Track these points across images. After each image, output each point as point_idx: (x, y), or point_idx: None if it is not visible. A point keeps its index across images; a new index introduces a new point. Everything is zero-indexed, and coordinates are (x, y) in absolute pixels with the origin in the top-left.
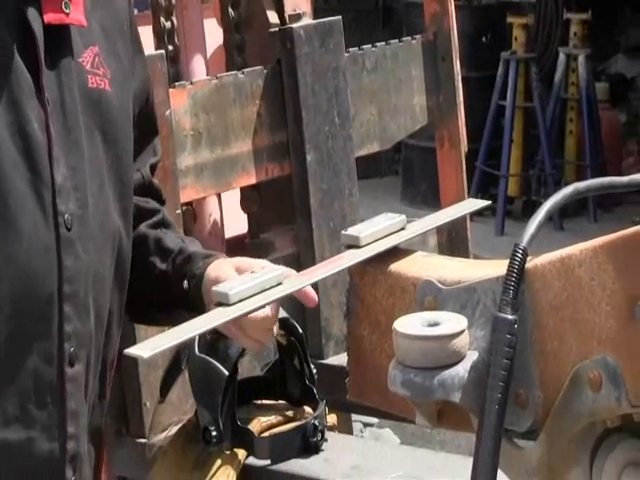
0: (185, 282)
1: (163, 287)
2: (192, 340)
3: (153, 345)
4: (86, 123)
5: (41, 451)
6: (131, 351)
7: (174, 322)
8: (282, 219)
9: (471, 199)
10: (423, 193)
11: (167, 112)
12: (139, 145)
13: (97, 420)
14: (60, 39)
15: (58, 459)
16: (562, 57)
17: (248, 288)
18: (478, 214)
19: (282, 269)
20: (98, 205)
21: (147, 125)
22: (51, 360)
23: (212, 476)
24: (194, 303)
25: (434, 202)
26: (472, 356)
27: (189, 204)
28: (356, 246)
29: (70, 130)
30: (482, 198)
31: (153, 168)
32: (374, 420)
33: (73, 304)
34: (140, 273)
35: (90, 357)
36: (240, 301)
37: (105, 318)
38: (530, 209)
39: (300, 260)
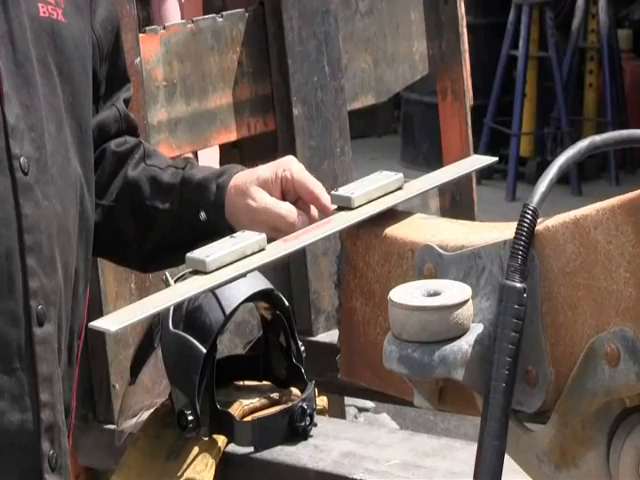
0: (202, 214)
1: (174, 227)
2: (166, 313)
3: (122, 318)
4: (39, 57)
5: (11, 423)
6: (97, 324)
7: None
8: None
9: (476, 155)
10: (425, 154)
11: (137, 60)
12: (112, 80)
13: (66, 395)
14: None
15: (32, 431)
16: (580, 1)
17: (227, 254)
18: (487, 177)
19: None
20: (57, 147)
21: (119, 58)
22: (17, 321)
23: (189, 465)
24: (218, 230)
25: (437, 164)
26: (476, 329)
27: None
28: (348, 208)
29: (21, 65)
30: None
31: (127, 102)
32: (370, 404)
33: (36, 257)
34: (143, 222)
35: (61, 317)
36: (218, 269)
37: (72, 276)
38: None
39: None
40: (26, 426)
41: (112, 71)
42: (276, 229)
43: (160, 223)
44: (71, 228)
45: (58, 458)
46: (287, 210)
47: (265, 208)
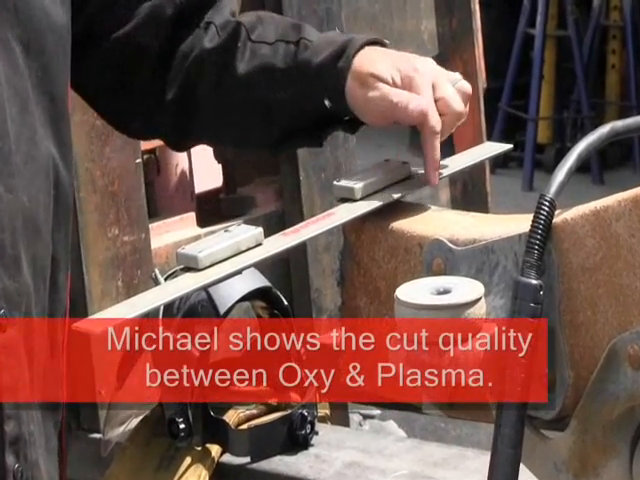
0: (326, 101)
1: (295, 116)
2: (155, 314)
3: (108, 318)
4: None
5: None
6: (81, 325)
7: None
8: (263, 169)
9: (489, 142)
10: None
11: None
12: None
13: (51, 389)
14: None
15: None
16: None
17: (221, 250)
18: (502, 165)
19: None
20: (21, 133)
21: None
22: None
23: (180, 476)
24: (340, 117)
25: (448, 151)
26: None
27: (151, 151)
28: (351, 199)
29: None
30: None
31: None
32: (376, 411)
33: None
34: (262, 114)
35: (31, 317)
36: (212, 265)
37: (47, 267)
38: None
39: (285, 218)
40: None
41: None
42: (393, 120)
43: (278, 113)
44: (41, 218)
45: (24, 472)
46: (407, 97)
47: (382, 96)
